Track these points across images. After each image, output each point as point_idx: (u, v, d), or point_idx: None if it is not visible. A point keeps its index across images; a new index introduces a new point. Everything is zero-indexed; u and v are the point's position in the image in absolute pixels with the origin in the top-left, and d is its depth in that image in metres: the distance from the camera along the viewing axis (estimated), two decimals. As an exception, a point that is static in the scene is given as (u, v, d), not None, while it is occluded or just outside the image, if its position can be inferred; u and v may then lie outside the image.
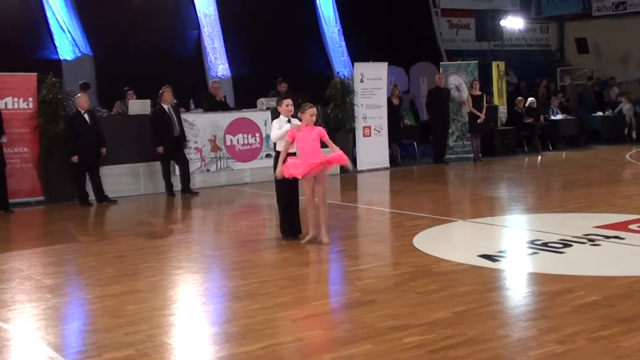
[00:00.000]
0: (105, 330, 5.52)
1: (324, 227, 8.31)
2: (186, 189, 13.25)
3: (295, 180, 8.43)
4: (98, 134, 12.53)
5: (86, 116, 12.40)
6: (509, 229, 9.53)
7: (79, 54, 16.36)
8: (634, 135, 21.06)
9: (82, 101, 12.47)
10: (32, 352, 5.23)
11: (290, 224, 8.67)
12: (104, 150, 12.57)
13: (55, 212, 12.01)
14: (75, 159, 12.24)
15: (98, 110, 13.95)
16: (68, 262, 8.26)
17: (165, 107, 13.10)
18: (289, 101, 8.61)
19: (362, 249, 8.32)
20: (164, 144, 12.95)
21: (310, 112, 8.29)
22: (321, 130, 8.33)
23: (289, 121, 8.50)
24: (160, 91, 13.17)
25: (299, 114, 8.44)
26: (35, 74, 12.89)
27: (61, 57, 16.16)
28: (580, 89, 23.41)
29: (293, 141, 8.30)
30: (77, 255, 8.62)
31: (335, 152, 8.36)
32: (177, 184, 13.32)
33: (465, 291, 6.23)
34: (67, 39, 16.33)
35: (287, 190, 8.52)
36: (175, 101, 13.66)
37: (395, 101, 17.41)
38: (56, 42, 16.26)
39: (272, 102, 14.92)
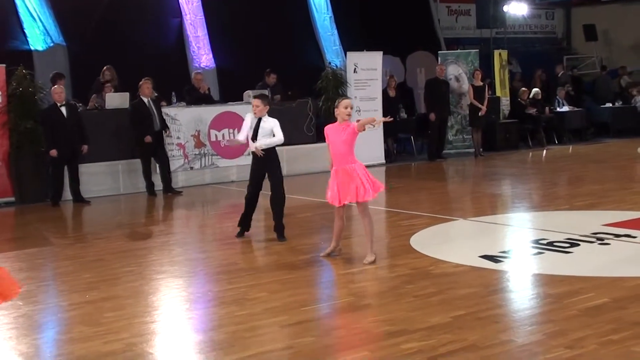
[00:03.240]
0: (82, 340, 5.51)
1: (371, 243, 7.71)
2: (168, 187, 13.24)
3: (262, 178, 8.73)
4: (77, 129, 12.50)
5: (63, 109, 12.38)
6: (512, 227, 9.57)
7: (51, 44, 16.28)
8: None
9: (58, 93, 12.44)
10: (3, 363, 5.23)
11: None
12: (84, 147, 12.54)
13: (27, 214, 11.98)
14: (54, 152, 12.21)
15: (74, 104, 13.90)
16: (41, 266, 8.24)
17: (145, 100, 13.08)
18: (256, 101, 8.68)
19: (356, 250, 8.32)
20: (143, 139, 12.93)
21: (345, 104, 7.62)
22: (352, 128, 7.60)
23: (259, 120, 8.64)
24: (140, 83, 13.16)
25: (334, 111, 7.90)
26: (4, 65, 12.84)
27: (32, 48, 16.07)
28: (590, 78, 23.45)
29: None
30: (51, 259, 8.61)
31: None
32: (158, 183, 13.30)
33: (466, 294, 6.25)
34: (38, 27, 16.25)
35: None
36: (156, 94, 13.64)
37: (391, 93, 17.42)
38: (26, 31, 16.17)
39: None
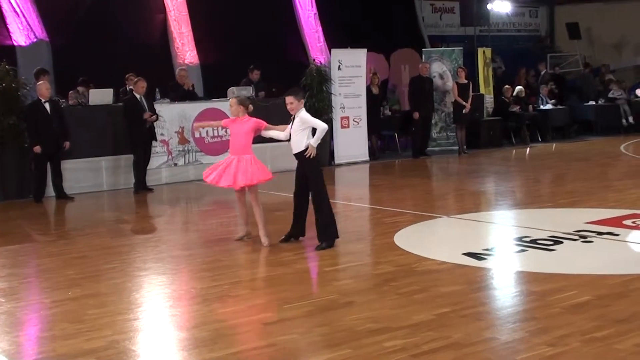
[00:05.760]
0: (64, 337, 5.48)
1: (262, 229, 8.41)
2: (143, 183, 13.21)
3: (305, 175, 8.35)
4: (60, 125, 12.43)
5: (47, 105, 12.31)
6: (495, 225, 9.59)
7: (35, 40, 16.18)
8: (631, 121, 21.15)
9: (43, 89, 12.36)
10: (-16, 361, 5.18)
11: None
12: (67, 144, 12.47)
13: (9, 210, 11.89)
14: (37, 148, 12.15)
15: (57, 100, 13.82)
16: (23, 263, 8.19)
17: (137, 96, 13.05)
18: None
19: (339, 248, 8.31)
20: (138, 134, 12.88)
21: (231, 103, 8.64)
22: (257, 122, 8.52)
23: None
24: (135, 79, 13.14)
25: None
26: (-14, 61, 12.77)
27: (15, 43, 15.98)
28: (573, 76, 23.53)
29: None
30: (33, 256, 8.56)
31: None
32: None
33: (450, 291, 6.26)
34: (21, 23, 16.15)
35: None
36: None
37: (375, 90, 17.42)
38: (9, 27, 16.06)
39: (244, 91, 14.90)
